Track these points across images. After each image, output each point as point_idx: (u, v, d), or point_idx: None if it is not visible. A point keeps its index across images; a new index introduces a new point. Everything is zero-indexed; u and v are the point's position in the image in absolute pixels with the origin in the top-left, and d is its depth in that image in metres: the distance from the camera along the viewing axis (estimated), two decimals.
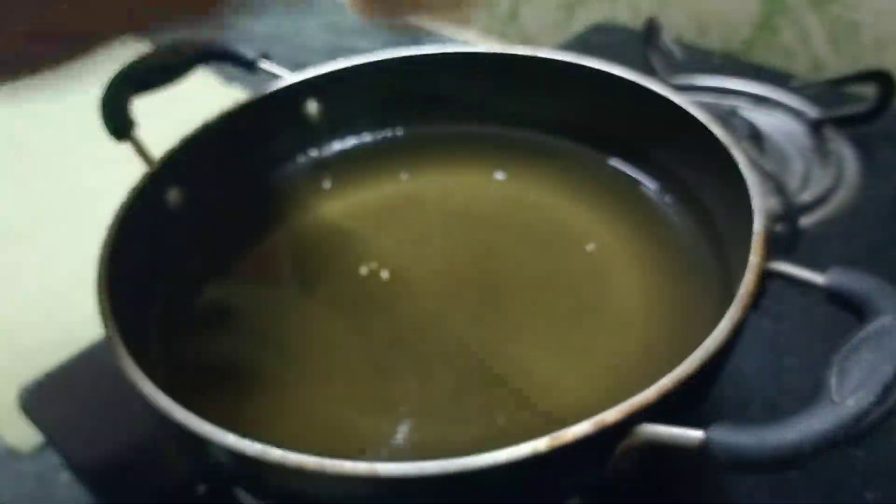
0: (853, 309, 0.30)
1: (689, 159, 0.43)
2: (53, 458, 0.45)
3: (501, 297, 0.42)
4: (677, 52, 0.69)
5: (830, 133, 0.60)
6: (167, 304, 0.42)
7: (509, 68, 0.49)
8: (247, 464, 0.28)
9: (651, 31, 0.69)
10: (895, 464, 0.39)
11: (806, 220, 0.53)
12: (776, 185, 0.50)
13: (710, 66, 0.69)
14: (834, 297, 0.31)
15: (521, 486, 0.29)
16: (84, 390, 0.46)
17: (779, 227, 0.48)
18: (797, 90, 0.64)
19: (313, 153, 0.52)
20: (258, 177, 0.51)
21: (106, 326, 0.33)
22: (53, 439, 0.44)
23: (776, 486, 0.39)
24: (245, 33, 0.93)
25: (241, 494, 0.39)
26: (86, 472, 0.43)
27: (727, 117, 0.60)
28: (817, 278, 0.32)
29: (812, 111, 0.61)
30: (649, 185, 0.47)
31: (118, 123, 0.45)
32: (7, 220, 0.66)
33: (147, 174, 0.42)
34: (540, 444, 0.26)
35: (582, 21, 0.83)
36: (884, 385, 0.25)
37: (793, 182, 0.56)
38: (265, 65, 0.49)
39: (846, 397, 0.25)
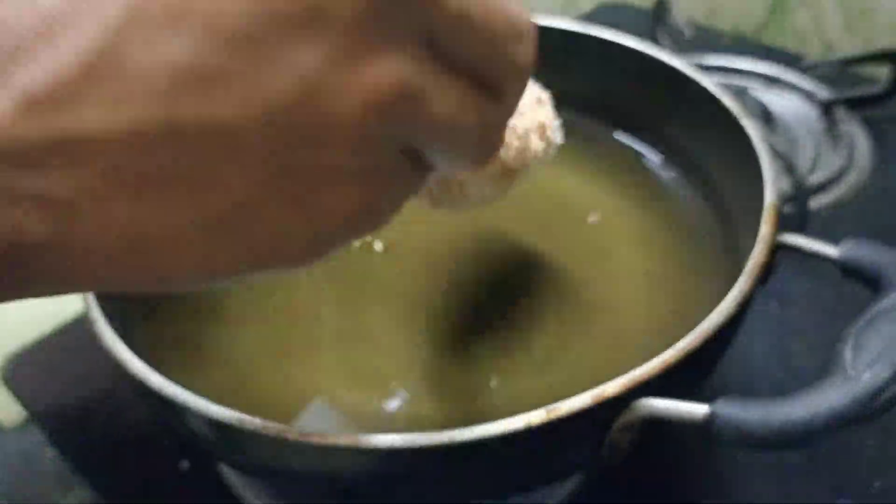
0: (868, 281, 0.29)
1: (698, 132, 0.42)
2: (38, 434, 0.43)
3: (501, 270, 0.40)
4: (687, 31, 0.68)
5: (841, 114, 0.59)
6: None
7: None
8: (226, 434, 0.27)
9: (660, 9, 0.67)
10: None
11: (816, 202, 0.52)
12: (786, 165, 0.49)
13: (721, 46, 0.67)
14: (848, 269, 0.30)
15: (515, 462, 0.27)
16: (68, 362, 0.45)
17: (788, 208, 0.47)
18: (808, 70, 0.62)
19: None
20: None
21: (84, 296, 0.32)
22: (36, 412, 0.43)
23: (782, 474, 0.37)
24: None
25: (226, 472, 0.38)
26: (68, 446, 0.42)
27: (737, 97, 0.58)
28: (830, 250, 0.30)
29: (823, 92, 0.60)
30: (655, 158, 0.45)
31: None
32: None
33: None
34: (534, 417, 0.25)
35: (590, 0, 0.80)
36: None
37: (803, 163, 0.54)
38: None
39: (862, 371, 0.24)
